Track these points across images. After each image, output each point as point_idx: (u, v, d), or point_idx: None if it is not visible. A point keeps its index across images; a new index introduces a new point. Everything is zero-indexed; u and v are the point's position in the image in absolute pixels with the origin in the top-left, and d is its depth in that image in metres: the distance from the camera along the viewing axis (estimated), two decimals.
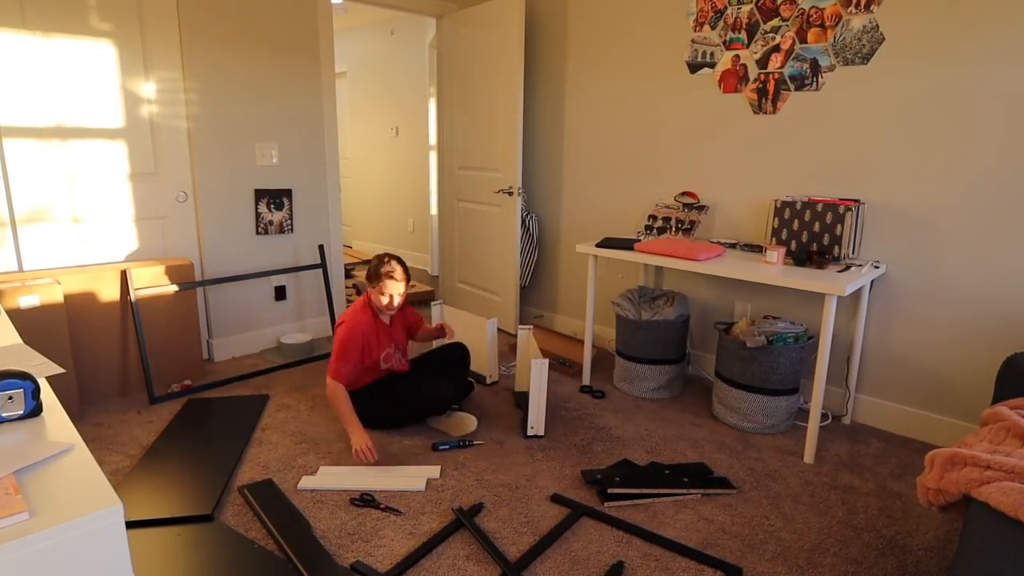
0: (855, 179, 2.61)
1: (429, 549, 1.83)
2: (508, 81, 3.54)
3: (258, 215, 3.37)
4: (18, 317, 2.44)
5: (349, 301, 4.35)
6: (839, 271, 2.38)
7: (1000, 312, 2.34)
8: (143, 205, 3.01)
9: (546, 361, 2.51)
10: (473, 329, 3.13)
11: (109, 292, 2.78)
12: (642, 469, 2.28)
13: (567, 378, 3.20)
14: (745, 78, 2.85)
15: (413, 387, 2.53)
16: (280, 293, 3.56)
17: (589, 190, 3.61)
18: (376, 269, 2.48)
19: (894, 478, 2.28)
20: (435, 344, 3.31)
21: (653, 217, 3.20)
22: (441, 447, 2.41)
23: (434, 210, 5.36)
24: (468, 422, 2.55)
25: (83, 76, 2.74)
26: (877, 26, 2.45)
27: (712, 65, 2.95)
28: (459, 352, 2.79)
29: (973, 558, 1.20)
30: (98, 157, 2.85)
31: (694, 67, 3.02)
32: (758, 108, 2.83)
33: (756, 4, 2.77)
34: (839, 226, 2.50)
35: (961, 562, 1.21)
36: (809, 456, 2.38)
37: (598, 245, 2.87)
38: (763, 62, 2.78)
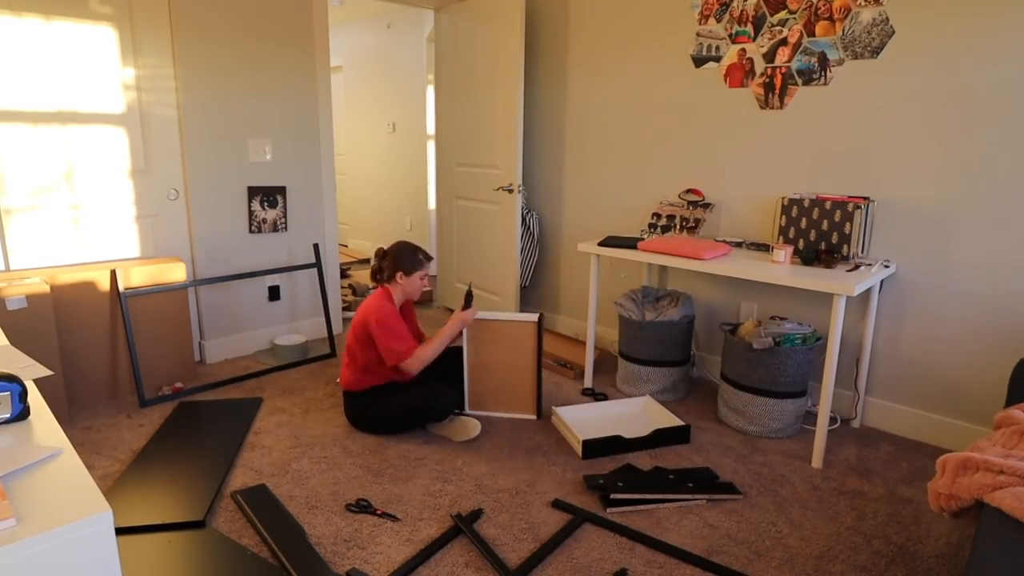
0: (864, 176, 2.56)
1: (427, 556, 1.80)
2: (508, 75, 3.48)
3: (251, 213, 3.31)
4: (4, 318, 2.38)
5: (345, 301, 4.29)
6: (848, 270, 2.33)
7: (1013, 313, 2.29)
8: (133, 202, 2.95)
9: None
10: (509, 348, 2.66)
11: (98, 292, 2.72)
12: (646, 474, 2.23)
13: (569, 380, 3.15)
14: (751, 72, 2.79)
15: (412, 394, 2.47)
16: (274, 293, 3.50)
17: (591, 187, 3.55)
18: (413, 256, 2.50)
19: (904, 483, 2.23)
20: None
21: (657, 215, 3.15)
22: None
23: (432, 205, 5.30)
24: (471, 427, 2.50)
25: (70, 66, 2.68)
26: (887, 19, 2.40)
27: (718, 59, 2.90)
28: (460, 357, 2.74)
29: (986, 565, 1.17)
30: (87, 153, 2.78)
31: (699, 61, 2.96)
32: (765, 103, 2.78)
33: None
34: (848, 224, 2.45)
35: (974, 569, 1.18)
36: (817, 461, 2.33)
37: (600, 244, 2.82)
38: (770, 56, 2.73)
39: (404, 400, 2.46)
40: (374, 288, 2.61)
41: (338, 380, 3.09)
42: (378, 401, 2.47)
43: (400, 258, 2.49)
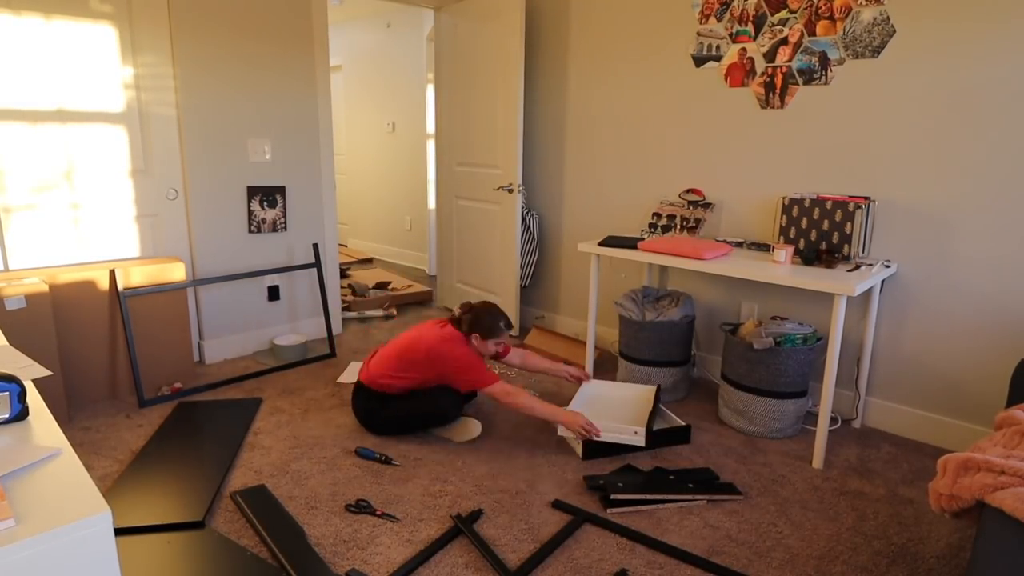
0: (865, 176, 2.55)
1: (427, 557, 1.79)
2: (508, 75, 3.48)
3: (251, 213, 3.30)
4: (3, 318, 2.38)
5: (345, 301, 4.28)
6: (849, 270, 2.33)
7: (1015, 312, 2.28)
8: (133, 202, 2.95)
9: None
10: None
11: (97, 292, 2.71)
12: (646, 475, 2.23)
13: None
14: (752, 72, 2.79)
15: (419, 400, 2.46)
16: (273, 293, 3.49)
17: (591, 187, 3.55)
18: (494, 325, 2.49)
19: (905, 483, 2.23)
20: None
21: (657, 215, 3.15)
22: (363, 453, 2.35)
23: (432, 204, 5.30)
24: (471, 427, 2.49)
25: (69, 65, 2.67)
26: (888, 18, 2.39)
27: (718, 58, 2.89)
28: None
29: (987, 566, 1.17)
30: (86, 152, 2.78)
31: (700, 60, 2.96)
32: (765, 103, 2.77)
33: None
34: (849, 224, 2.45)
35: (974, 570, 1.18)
36: (818, 461, 2.33)
37: (601, 244, 2.82)
38: (770, 55, 2.72)
39: (412, 405, 2.46)
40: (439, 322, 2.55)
41: (339, 380, 3.08)
42: (391, 403, 2.47)
43: (479, 320, 2.49)
